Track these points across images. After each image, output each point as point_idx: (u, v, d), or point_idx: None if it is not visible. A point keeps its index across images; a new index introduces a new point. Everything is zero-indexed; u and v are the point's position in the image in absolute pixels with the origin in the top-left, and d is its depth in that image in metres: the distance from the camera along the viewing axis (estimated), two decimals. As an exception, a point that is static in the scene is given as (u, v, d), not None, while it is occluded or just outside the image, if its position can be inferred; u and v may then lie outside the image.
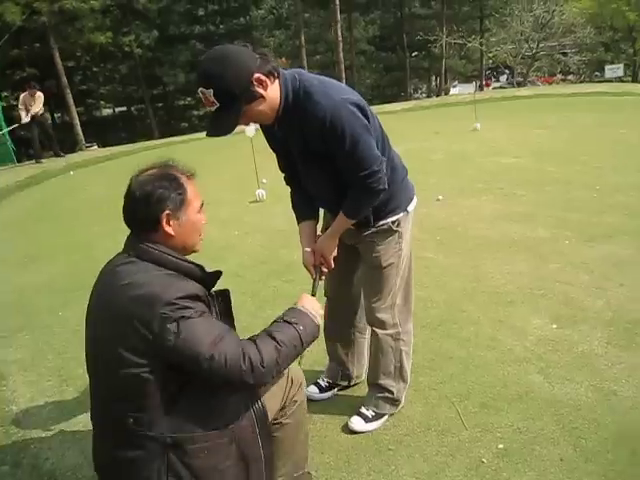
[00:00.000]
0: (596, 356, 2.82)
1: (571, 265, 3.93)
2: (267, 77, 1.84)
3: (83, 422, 2.71)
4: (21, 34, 19.84)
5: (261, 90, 1.83)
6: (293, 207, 2.33)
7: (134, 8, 26.81)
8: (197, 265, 1.69)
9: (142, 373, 1.51)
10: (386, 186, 2.02)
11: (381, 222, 2.21)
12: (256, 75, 1.80)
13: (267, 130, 2.16)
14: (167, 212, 1.64)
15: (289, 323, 1.69)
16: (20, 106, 11.46)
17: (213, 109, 1.81)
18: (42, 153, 12.95)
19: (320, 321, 1.79)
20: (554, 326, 3.15)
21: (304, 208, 2.29)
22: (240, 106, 1.82)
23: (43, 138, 12.59)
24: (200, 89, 1.79)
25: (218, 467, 1.59)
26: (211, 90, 1.76)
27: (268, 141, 2.24)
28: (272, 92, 1.88)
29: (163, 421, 1.55)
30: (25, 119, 11.40)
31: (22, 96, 11.64)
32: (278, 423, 1.85)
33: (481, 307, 3.45)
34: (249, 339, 1.63)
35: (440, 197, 5.85)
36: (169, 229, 1.65)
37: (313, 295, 2.04)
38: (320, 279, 2.25)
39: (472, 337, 3.11)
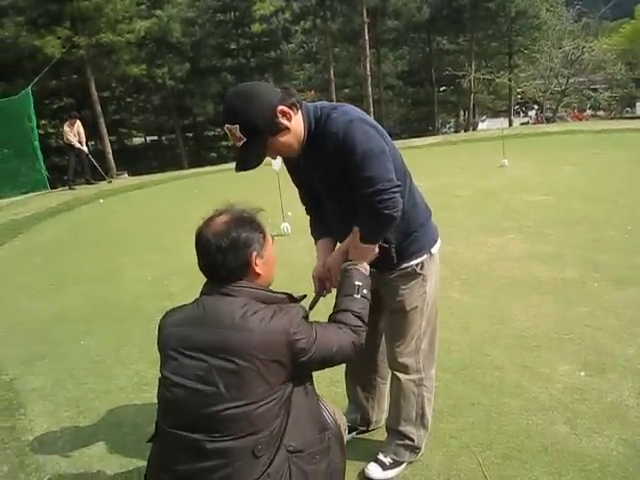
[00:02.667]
0: (627, 407, 2.70)
1: (600, 309, 3.81)
2: (290, 109, 1.87)
3: (97, 455, 2.71)
4: (59, 66, 20.56)
5: (285, 121, 1.86)
6: (312, 232, 2.30)
7: (168, 41, 27.66)
8: (287, 294, 1.79)
9: (275, 401, 1.59)
10: (399, 213, 1.93)
11: (404, 265, 2.16)
12: (279, 107, 1.84)
13: (290, 163, 2.17)
14: (255, 253, 1.70)
15: (364, 297, 1.91)
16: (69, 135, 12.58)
17: (240, 144, 1.83)
18: (75, 180, 13.33)
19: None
20: (582, 373, 3.04)
21: (323, 229, 2.26)
22: (265, 139, 1.85)
23: (78, 165, 13.12)
24: (226, 125, 1.82)
25: (324, 473, 1.70)
26: (237, 126, 1.79)
27: (291, 175, 2.24)
28: (296, 123, 1.91)
29: (283, 435, 1.61)
30: (77, 145, 12.65)
31: (66, 126, 12.64)
32: None
33: (506, 351, 3.35)
34: (343, 323, 1.81)
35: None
36: (258, 269, 1.72)
37: (311, 309, 2.02)
38: (323, 295, 2.19)
39: (496, 383, 3.01)
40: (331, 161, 1.94)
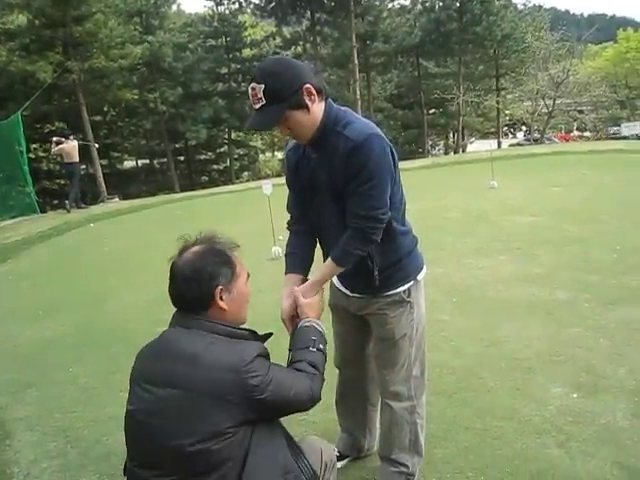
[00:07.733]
0: (620, 429, 2.69)
1: (591, 329, 3.82)
2: (317, 92, 1.88)
3: (85, 487, 2.65)
4: (51, 90, 20.65)
5: (308, 101, 1.87)
6: (286, 255, 2.22)
7: (160, 66, 27.91)
8: (250, 330, 1.72)
9: (224, 442, 1.49)
10: (378, 239, 1.97)
11: (391, 292, 2.15)
12: (307, 85, 1.84)
13: (294, 161, 2.14)
14: (220, 287, 1.65)
15: (320, 351, 1.83)
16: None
17: (257, 106, 1.84)
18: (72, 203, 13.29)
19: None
20: (574, 395, 3.03)
21: (297, 260, 2.19)
22: (284, 109, 1.84)
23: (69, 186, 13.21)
24: (252, 84, 1.83)
25: None
26: (262, 86, 1.80)
27: (290, 173, 2.18)
28: (317, 108, 1.90)
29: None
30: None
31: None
32: None
33: (498, 374, 3.34)
34: (299, 369, 1.74)
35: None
36: (222, 304, 1.65)
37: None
38: None
39: (489, 406, 2.99)
40: (339, 166, 1.93)
